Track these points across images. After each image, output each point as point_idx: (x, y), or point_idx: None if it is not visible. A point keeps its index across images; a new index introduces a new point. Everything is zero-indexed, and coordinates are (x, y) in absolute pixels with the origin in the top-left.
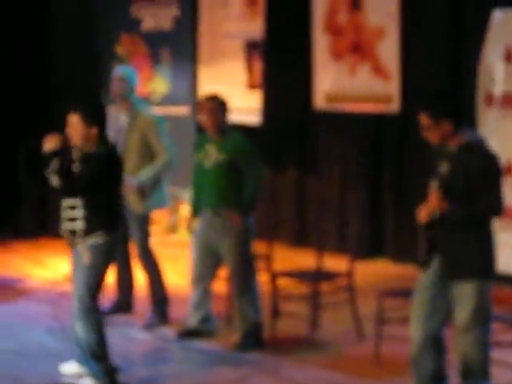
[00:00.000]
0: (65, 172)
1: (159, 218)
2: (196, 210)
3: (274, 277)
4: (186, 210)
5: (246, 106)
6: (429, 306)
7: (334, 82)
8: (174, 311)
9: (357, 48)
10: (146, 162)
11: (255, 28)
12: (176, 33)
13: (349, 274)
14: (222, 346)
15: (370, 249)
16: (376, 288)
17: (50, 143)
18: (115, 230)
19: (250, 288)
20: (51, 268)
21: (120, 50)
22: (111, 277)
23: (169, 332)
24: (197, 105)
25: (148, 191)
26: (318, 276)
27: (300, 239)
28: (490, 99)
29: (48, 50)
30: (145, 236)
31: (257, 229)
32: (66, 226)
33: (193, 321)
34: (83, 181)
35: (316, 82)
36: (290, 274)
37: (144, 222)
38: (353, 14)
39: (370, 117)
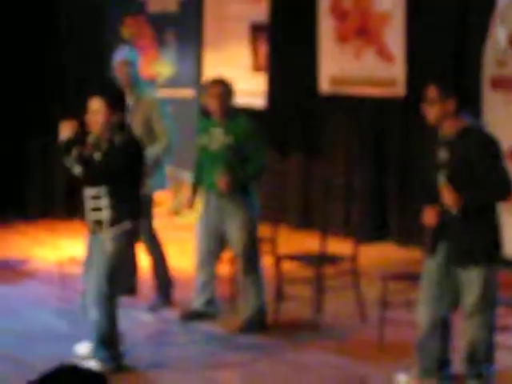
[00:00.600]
0: (86, 160)
1: (162, 200)
2: (196, 189)
3: (278, 260)
4: (188, 191)
5: (251, 88)
6: (437, 290)
7: (339, 66)
8: (178, 294)
9: (362, 32)
10: (150, 144)
11: (260, 11)
12: (181, 15)
13: (353, 258)
14: (226, 329)
15: (375, 232)
16: (380, 271)
17: (65, 130)
18: (139, 218)
19: (255, 271)
20: (56, 250)
21: (125, 32)
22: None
23: (173, 314)
24: (201, 87)
25: (149, 173)
26: (322, 259)
27: (304, 222)
28: (494, 83)
29: (54, 32)
30: (148, 218)
31: (262, 212)
32: (91, 216)
33: (198, 303)
34: (107, 169)
35: (321, 65)
36: (294, 258)
37: (146, 203)
38: None
39: (374, 100)
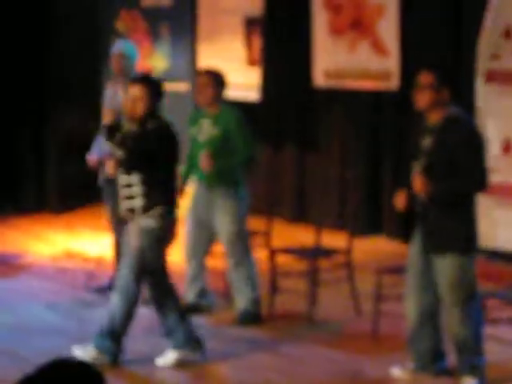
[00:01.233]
0: (128, 146)
1: None
2: (186, 180)
3: (272, 253)
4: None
5: (245, 82)
6: (421, 280)
7: (333, 59)
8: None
9: (356, 25)
10: None
11: (255, 4)
12: (175, 9)
13: (347, 251)
14: (220, 322)
15: (369, 226)
16: (374, 265)
17: (107, 117)
18: (172, 211)
19: (245, 264)
20: (51, 243)
21: (120, 25)
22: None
23: None
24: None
25: None
26: (316, 253)
27: (299, 216)
28: (489, 76)
29: (48, 25)
30: None
31: (256, 205)
32: (125, 204)
33: (190, 296)
34: (140, 157)
35: (315, 58)
36: (288, 251)
37: None
38: None
39: (369, 93)
